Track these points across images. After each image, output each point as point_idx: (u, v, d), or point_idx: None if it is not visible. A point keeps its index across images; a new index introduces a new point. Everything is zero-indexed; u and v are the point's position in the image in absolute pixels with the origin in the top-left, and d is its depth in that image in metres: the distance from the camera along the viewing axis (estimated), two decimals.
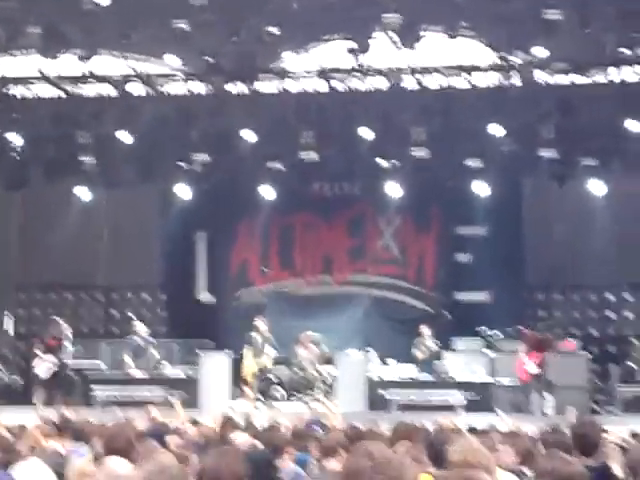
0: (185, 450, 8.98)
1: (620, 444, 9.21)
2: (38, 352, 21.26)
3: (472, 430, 12.08)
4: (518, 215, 23.58)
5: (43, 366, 21.09)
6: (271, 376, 20.87)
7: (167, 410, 14.27)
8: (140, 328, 21.82)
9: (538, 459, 6.59)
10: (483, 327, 21.59)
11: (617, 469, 7.50)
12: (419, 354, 20.85)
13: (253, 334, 20.78)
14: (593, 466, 7.14)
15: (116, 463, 5.94)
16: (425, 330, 21.08)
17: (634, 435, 11.04)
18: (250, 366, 20.55)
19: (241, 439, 9.55)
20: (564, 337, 22.32)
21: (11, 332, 25.14)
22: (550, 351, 19.72)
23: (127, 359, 21.23)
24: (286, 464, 8.90)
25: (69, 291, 26.04)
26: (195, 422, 12.82)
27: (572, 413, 15.35)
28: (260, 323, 20.84)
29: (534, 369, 19.41)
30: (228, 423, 12.04)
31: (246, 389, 20.36)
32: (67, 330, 21.84)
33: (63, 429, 10.15)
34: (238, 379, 20.79)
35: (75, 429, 9.95)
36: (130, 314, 23.89)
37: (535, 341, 19.64)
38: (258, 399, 20.24)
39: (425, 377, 20.48)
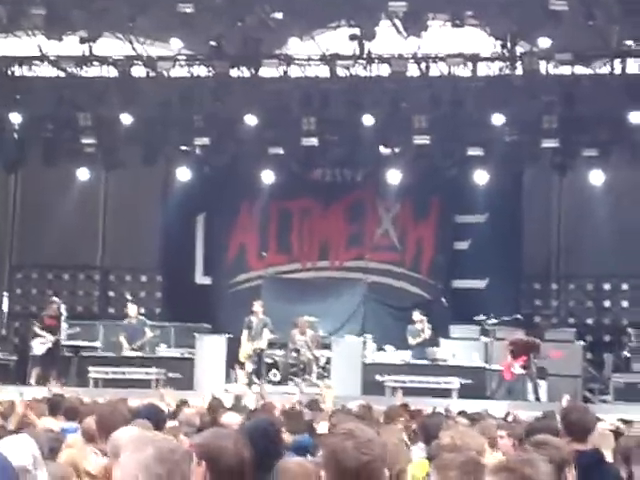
0: (177, 431, 8.97)
1: (613, 430, 9.23)
2: (37, 331, 21.31)
3: (465, 415, 12.11)
4: (517, 204, 23.54)
5: (39, 343, 21.15)
6: (267, 359, 20.90)
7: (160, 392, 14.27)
8: (132, 310, 21.79)
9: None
10: (482, 316, 21.59)
11: (608, 455, 7.49)
12: (411, 339, 20.88)
13: (251, 318, 20.81)
14: (583, 450, 7.13)
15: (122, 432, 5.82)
16: (417, 316, 21.07)
17: (623, 422, 11.07)
18: (246, 349, 20.58)
19: (232, 420, 9.51)
20: (559, 326, 22.44)
21: (5, 309, 25.17)
22: (535, 354, 19.72)
23: (122, 340, 21.26)
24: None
25: (66, 271, 26.06)
26: (185, 403, 12.79)
27: (566, 400, 15.35)
28: (258, 307, 20.86)
29: (519, 370, 19.48)
30: (216, 404, 12.03)
31: (240, 372, 20.36)
32: (63, 310, 21.86)
33: (56, 408, 10.15)
34: (233, 361, 20.81)
35: (68, 408, 9.94)
36: (127, 296, 23.94)
37: (522, 345, 19.69)
38: (253, 382, 20.26)
39: (420, 362, 20.50)
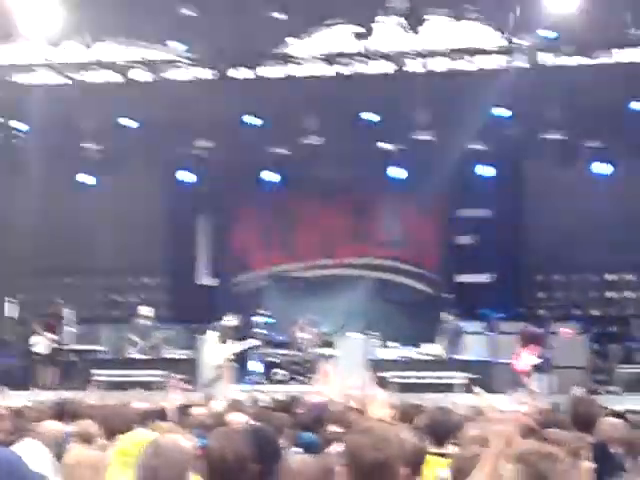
0: (186, 432, 8.95)
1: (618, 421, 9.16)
2: (37, 329, 21.37)
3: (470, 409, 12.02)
4: (521, 198, 23.54)
5: (42, 342, 21.19)
6: (271, 358, 20.85)
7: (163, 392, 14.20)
8: (145, 311, 21.84)
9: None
10: (487, 310, 21.58)
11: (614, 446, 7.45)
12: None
13: (222, 325, 20.60)
14: (591, 443, 7.10)
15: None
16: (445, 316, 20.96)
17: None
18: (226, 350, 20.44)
19: (238, 420, 9.49)
20: (564, 319, 22.37)
21: (15, 317, 25.15)
22: (545, 344, 19.64)
23: (132, 337, 21.26)
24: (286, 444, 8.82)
25: (71, 276, 26.10)
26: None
27: (576, 392, 15.26)
28: (231, 319, 20.70)
29: (534, 360, 19.34)
30: (234, 405, 11.94)
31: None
32: (69, 314, 21.91)
33: (61, 411, 10.11)
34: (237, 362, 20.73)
35: (72, 411, 9.90)
36: (132, 299, 23.99)
37: (531, 336, 19.58)
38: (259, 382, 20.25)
39: (425, 357, 20.44)
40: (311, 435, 9.05)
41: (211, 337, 20.40)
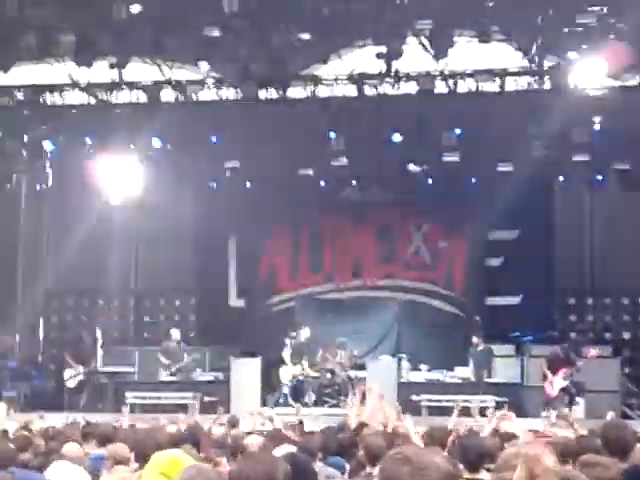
0: (216, 454, 8.97)
1: None
2: (70, 361, 21.48)
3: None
4: (550, 219, 23.43)
5: (74, 376, 21.31)
6: (303, 381, 20.85)
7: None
8: (176, 334, 21.96)
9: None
10: (517, 333, 21.48)
11: None
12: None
13: (296, 340, 20.84)
14: (624, 468, 7.06)
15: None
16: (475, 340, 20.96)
17: None
18: (289, 371, 20.59)
19: (255, 442, 9.50)
20: (596, 342, 22.22)
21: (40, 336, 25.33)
22: (572, 367, 19.55)
23: (161, 358, 21.35)
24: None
25: (101, 297, 26.18)
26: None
27: (611, 417, 15.11)
28: (305, 331, 20.92)
29: (562, 383, 19.26)
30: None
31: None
32: (99, 336, 22.03)
33: (89, 434, 10.12)
34: (269, 384, 20.81)
35: (101, 434, 9.90)
36: (161, 318, 24.06)
37: (558, 358, 19.49)
38: (289, 404, 20.24)
39: (455, 380, 20.38)
40: (340, 459, 9.03)
41: (286, 354, 20.70)
